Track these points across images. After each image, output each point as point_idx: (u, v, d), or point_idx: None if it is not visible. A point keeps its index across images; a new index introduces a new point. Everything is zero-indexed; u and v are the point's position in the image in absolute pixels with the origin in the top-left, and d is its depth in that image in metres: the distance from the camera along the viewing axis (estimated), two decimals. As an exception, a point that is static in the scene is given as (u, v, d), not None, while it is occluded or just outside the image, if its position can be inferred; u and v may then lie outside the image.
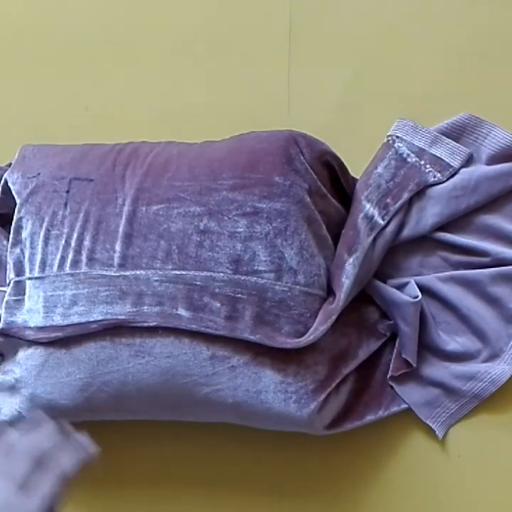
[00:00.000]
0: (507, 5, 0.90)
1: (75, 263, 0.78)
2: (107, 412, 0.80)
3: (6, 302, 0.81)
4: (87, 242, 0.78)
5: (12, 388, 0.79)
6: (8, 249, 0.82)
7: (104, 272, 0.77)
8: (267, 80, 0.90)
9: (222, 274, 0.75)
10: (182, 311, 0.75)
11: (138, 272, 0.76)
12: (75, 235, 0.78)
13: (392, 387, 0.82)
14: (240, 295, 0.75)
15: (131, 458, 0.86)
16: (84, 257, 0.78)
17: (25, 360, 0.78)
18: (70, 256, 0.78)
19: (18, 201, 0.81)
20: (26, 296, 0.80)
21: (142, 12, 0.93)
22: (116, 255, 0.77)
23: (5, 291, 0.82)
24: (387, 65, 0.90)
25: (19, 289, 0.80)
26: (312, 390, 0.76)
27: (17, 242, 0.81)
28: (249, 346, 0.75)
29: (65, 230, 0.79)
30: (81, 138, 0.86)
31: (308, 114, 0.89)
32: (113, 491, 0.86)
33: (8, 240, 0.83)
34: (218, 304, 0.75)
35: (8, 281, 0.82)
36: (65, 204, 0.79)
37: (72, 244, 0.78)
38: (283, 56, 0.91)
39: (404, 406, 0.82)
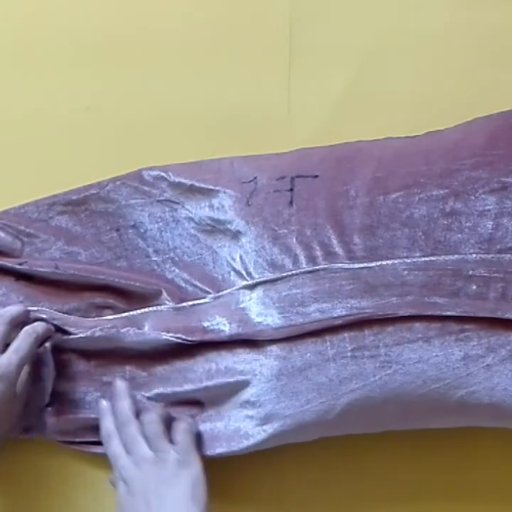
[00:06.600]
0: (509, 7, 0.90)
1: (312, 259, 0.75)
2: (350, 428, 0.77)
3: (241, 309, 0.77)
4: (321, 238, 0.75)
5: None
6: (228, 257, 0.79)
7: (347, 266, 0.74)
8: (267, 80, 0.90)
9: (474, 256, 0.72)
10: (435, 299, 0.72)
11: (384, 263, 0.73)
12: (306, 232, 0.76)
13: None
14: (496, 274, 0.72)
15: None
16: (320, 253, 0.75)
17: (260, 388, 0.75)
18: (304, 253, 0.75)
19: (234, 208, 0.79)
20: (253, 301, 0.76)
21: (142, 12, 0.93)
22: (358, 247, 0.74)
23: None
24: (388, 65, 0.90)
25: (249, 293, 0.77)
26: None
27: (236, 247, 0.79)
28: (505, 342, 0.71)
29: (294, 228, 0.76)
30: (81, 138, 0.86)
31: (308, 114, 0.88)
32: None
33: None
34: (474, 287, 0.72)
35: (236, 288, 0.78)
36: (290, 202, 0.77)
37: (304, 241, 0.76)
38: (283, 56, 0.91)
39: None
